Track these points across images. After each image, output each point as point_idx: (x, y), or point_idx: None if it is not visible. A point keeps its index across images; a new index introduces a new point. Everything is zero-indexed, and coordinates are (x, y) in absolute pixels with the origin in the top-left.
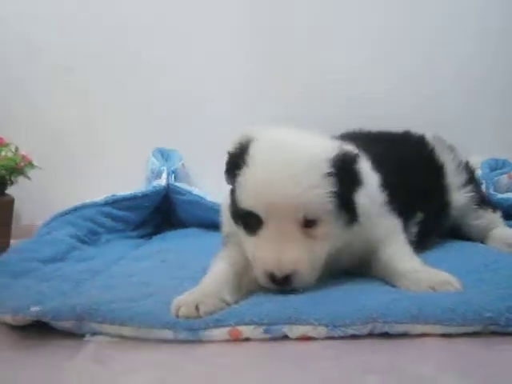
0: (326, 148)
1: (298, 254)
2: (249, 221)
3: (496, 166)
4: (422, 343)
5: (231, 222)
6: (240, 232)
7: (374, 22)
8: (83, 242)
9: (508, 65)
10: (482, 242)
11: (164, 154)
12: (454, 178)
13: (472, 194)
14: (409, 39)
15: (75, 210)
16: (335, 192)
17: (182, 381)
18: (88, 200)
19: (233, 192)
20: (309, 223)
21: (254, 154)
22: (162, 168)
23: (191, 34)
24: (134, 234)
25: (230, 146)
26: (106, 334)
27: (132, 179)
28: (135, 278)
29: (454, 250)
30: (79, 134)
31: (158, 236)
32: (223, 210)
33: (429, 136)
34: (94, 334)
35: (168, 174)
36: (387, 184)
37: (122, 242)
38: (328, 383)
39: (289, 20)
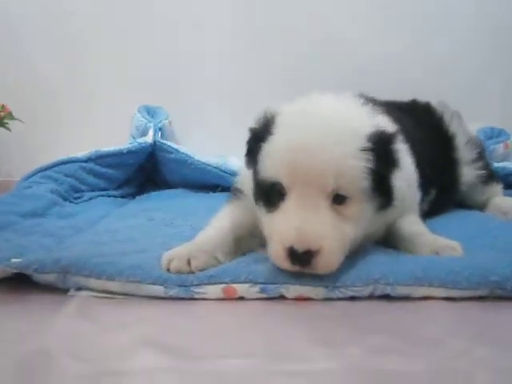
0: (363, 121)
1: (324, 229)
2: (271, 194)
3: (492, 134)
4: (426, 306)
5: (249, 183)
6: (260, 210)
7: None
8: (64, 198)
9: None
10: (480, 211)
11: (150, 111)
12: (464, 152)
13: (482, 171)
14: None
15: (57, 164)
16: (371, 169)
17: (172, 338)
18: (70, 155)
19: (255, 171)
20: (339, 199)
21: (282, 123)
22: (148, 125)
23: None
24: (117, 192)
25: (251, 123)
26: (92, 289)
27: (116, 136)
28: (121, 235)
29: (455, 217)
30: (64, 88)
31: (142, 196)
32: (241, 169)
33: (436, 104)
34: (79, 288)
35: (154, 131)
36: None
37: (105, 200)
38: (329, 343)
39: None
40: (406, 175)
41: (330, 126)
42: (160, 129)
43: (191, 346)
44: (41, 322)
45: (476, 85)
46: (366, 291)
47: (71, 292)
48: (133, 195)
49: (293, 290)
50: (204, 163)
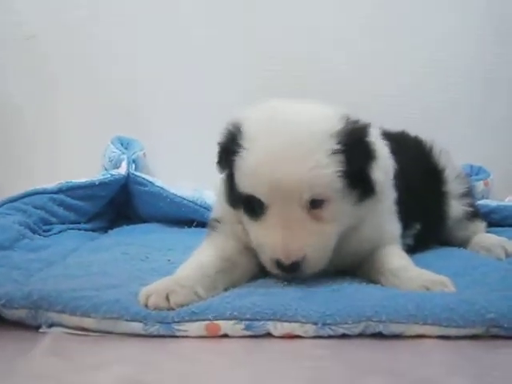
0: (329, 120)
1: (305, 240)
2: (251, 205)
3: (471, 172)
4: (420, 344)
5: (225, 207)
6: (242, 217)
7: None
8: (33, 230)
9: None
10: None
11: (124, 143)
12: (454, 186)
13: (468, 208)
14: None
15: (25, 196)
16: (344, 171)
17: (152, 378)
18: (39, 187)
19: (229, 177)
20: (315, 204)
21: (250, 135)
22: (121, 156)
23: (153, 21)
24: (88, 225)
25: (218, 136)
26: (65, 326)
27: (86, 167)
28: (95, 269)
29: (439, 253)
30: (31, 118)
31: (115, 230)
32: (216, 195)
33: (425, 138)
34: (51, 325)
35: (128, 163)
36: None
37: (76, 234)
38: None
39: None
40: (382, 164)
41: (297, 134)
42: (134, 161)
43: None
44: (9, 361)
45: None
46: (358, 329)
47: (43, 329)
48: (104, 229)
49: (280, 327)
50: (180, 197)
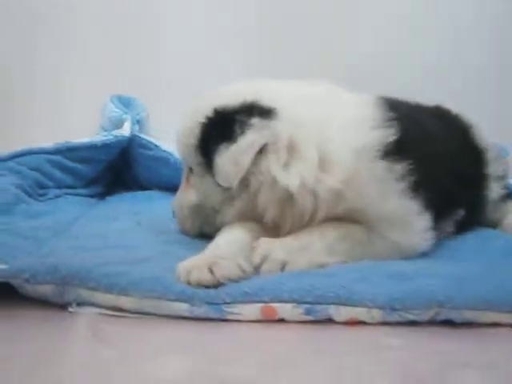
0: (218, 100)
1: (176, 198)
2: None
3: None
4: (498, 333)
5: None
6: None
7: None
8: (29, 194)
9: None
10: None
11: (124, 102)
12: (494, 168)
13: (504, 190)
14: None
15: (19, 155)
16: (197, 146)
17: (226, 370)
18: (34, 146)
19: None
20: (191, 171)
21: None
22: (123, 116)
23: None
24: (85, 191)
25: None
26: (97, 305)
27: (82, 127)
28: (114, 241)
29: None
30: (21, 68)
31: (114, 197)
32: None
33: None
34: (80, 303)
35: (132, 124)
36: (423, 171)
37: (73, 199)
38: (412, 380)
39: None
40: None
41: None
42: (138, 121)
43: (254, 380)
44: (49, 348)
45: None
46: (427, 315)
47: (72, 308)
48: (101, 195)
49: (344, 312)
50: None
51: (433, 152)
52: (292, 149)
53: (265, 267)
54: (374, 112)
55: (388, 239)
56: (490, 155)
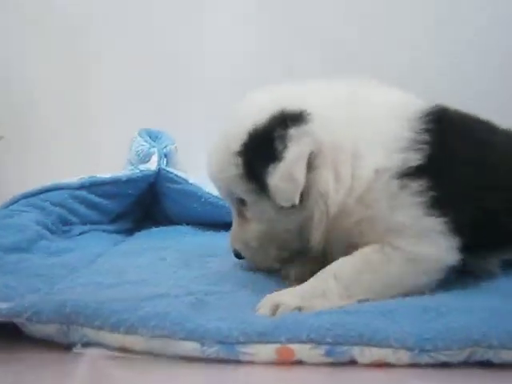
0: (245, 121)
1: (233, 232)
2: None
3: None
4: None
5: None
6: None
7: None
8: (52, 231)
9: None
10: None
11: (152, 136)
12: None
13: None
14: None
15: (44, 191)
16: (243, 174)
17: None
18: (59, 181)
19: None
20: (242, 202)
21: None
22: (151, 150)
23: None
24: (111, 227)
25: None
26: (104, 346)
27: (110, 162)
28: (132, 276)
29: None
30: (53, 103)
31: (142, 232)
32: None
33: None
34: (86, 344)
35: (159, 158)
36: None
37: (99, 236)
38: None
39: None
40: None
41: (221, 134)
42: (165, 155)
43: None
44: None
45: None
46: (462, 356)
47: (77, 348)
48: (129, 231)
49: (369, 353)
50: (216, 197)
51: (476, 177)
52: (335, 156)
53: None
54: (407, 129)
55: (402, 250)
56: None
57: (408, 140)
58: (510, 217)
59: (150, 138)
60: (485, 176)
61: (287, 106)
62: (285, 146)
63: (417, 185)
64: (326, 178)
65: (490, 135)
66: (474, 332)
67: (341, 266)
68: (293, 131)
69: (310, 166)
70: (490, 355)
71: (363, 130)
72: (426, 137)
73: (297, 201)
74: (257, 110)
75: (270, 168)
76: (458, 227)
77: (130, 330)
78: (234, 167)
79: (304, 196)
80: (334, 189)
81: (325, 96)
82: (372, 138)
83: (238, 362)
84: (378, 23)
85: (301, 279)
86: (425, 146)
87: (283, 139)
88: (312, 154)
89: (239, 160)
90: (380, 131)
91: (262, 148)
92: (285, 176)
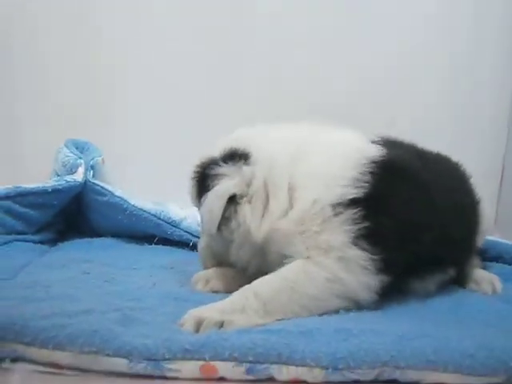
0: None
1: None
2: None
3: None
4: None
5: None
6: None
7: None
8: None
9: None
10: None
11: (79, 147)
12: (482, 220)
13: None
14: None
15: None
16: (195, 196)
17: None
18: None
19: None
20: None
21: None
22: (78, 161)
23: None
24: (35, 238)
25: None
26: (33, 361)
27: (34, 172)
28: (56, 290)
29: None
30: None
31: (66, 243)
32: None
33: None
34: (15, 359)
35: (86, 169)
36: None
37: (23, 246)
38: None
39: None
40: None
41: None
42: (92, 167)
43: None
44: None
45: None
46: (372, 375)
47: (6, 364)
48: (53, 241)
49: (286, 371)
50: (141, 209)
51: (413, 208)
52: (266, 191)
53: (202, 331)
54: (348, 168)
55: (324, 268)
56: (482, 208)
57: (350, 178)
58: (444, 248)
59: (77, 149)
60: (420, 215)
61: (234, 147)
62: (217, 181)
63: (350, 213)
64: (244, 213)
65: (429, 175)
66: (382, 354)
67: (262, 284)
68: (225, 169)
69: (236, 200)
70: (397, 375)
71: (306, 167)
72: (367, 177)
73: (214, 231)
74: (216, 148)
75: (203, 198)
76: (385, 265)
77: (59, 346)
78: (191, 188)
79: (227, 225)
80: (255, 220)
81: (274, 137)
82: (314, 173)
83: (164, 378)
84: None
85: (212, 290)
86: (365, 185)
87: (217, 174)
88: (240, 190)
89: (193, 189)
90: (323, 169)
91: (203, 179)
92: (207, 207)
